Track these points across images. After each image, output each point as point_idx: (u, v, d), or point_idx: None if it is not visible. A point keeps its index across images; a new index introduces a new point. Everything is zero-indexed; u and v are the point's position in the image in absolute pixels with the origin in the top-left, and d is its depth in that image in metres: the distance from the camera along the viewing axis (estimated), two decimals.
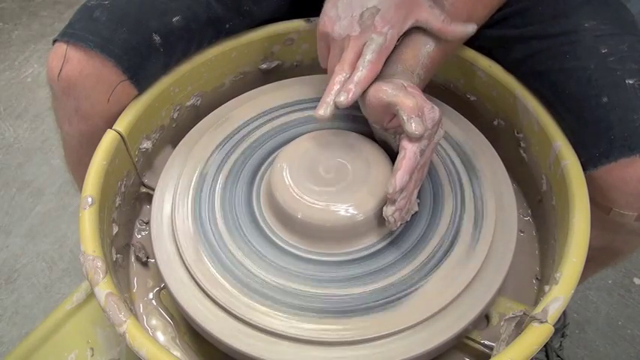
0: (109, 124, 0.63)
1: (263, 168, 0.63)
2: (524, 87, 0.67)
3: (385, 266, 0.55)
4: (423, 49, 0.59)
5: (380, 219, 0.55)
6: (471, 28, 0.59)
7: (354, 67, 0.56)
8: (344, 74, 0.56)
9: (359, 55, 0.56)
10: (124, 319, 0.48)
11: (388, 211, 0.52)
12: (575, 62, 0.61)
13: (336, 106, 0.55)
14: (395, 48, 0.60)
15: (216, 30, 0.71)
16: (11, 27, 1.77)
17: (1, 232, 1.27)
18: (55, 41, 0.62)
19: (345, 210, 0.55)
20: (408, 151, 0.51)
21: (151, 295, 0.64)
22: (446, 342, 0.51)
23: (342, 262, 0.55)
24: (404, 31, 0.57)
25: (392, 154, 0.59)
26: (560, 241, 0.57)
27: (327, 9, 0.59)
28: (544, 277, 0.63)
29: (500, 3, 0.65)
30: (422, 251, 0.55)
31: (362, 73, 0.54)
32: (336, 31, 0.57)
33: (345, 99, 0.54)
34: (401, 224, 0.56)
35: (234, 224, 0.58)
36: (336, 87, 0.56)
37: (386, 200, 0.52)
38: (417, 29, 0.59)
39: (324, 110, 0.55)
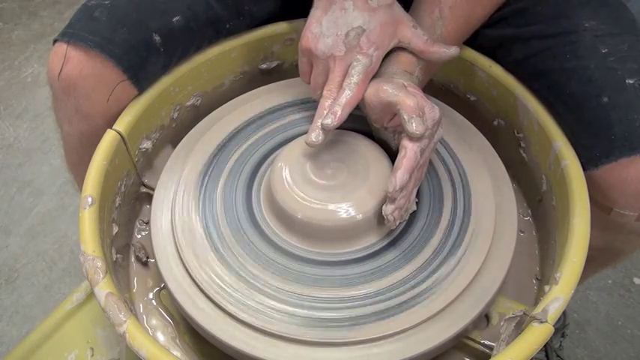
0: (110, 123, 0.63)
1: (263, 168, 0.63)
2: (524, 87, 0.67)
3: (385, 266, 0.55)
4: None
5: (380, 219, 0.55)
6: (453, 51, 0.59)
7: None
8: (333, 98, 0.56)
9: (345, 76, 0.56)
10: (124, 319, 0.48)
11: (387, 209, 0.52)
12: (576, 62, 0.61)
13: (324, 129, 0.55)
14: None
15: (216, 30, 0.71)
16: (11, 27, 1.77)
17: (1, 232, 1.27)
18: (55, 41, 0.63)
19: (344, 210, 0.55)
20: (409, 151, 0.51)
21: (151, 295, 0.64)
22: (446, 342, 0.51)
23: (342, 262, 0.55)
24: (388, 50, 0.58)
25: (391, 154, 0.59)
26: (560, 241, 0.57)
27: (311, 25, 0.59)
28: (544, 277, 0.63)
29: (499, 3, 0.65)
30: (422, 251, 0.55)
31: (348, 95, 0.55)
32: (319, 49, 0.57)
33: (331, 121, 0.54)
34: (400, 223, 0.56)
35: (234, 224, 0.58)
36: (326, 111, 0.56)
37: (385, 199, 0.52)
38: None
39: (315, 136, 0.55)
